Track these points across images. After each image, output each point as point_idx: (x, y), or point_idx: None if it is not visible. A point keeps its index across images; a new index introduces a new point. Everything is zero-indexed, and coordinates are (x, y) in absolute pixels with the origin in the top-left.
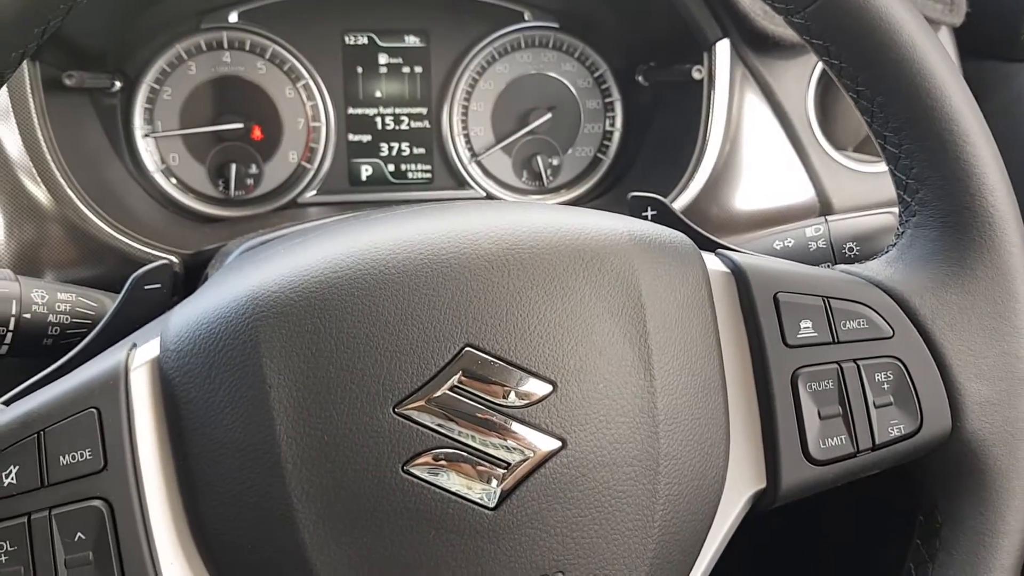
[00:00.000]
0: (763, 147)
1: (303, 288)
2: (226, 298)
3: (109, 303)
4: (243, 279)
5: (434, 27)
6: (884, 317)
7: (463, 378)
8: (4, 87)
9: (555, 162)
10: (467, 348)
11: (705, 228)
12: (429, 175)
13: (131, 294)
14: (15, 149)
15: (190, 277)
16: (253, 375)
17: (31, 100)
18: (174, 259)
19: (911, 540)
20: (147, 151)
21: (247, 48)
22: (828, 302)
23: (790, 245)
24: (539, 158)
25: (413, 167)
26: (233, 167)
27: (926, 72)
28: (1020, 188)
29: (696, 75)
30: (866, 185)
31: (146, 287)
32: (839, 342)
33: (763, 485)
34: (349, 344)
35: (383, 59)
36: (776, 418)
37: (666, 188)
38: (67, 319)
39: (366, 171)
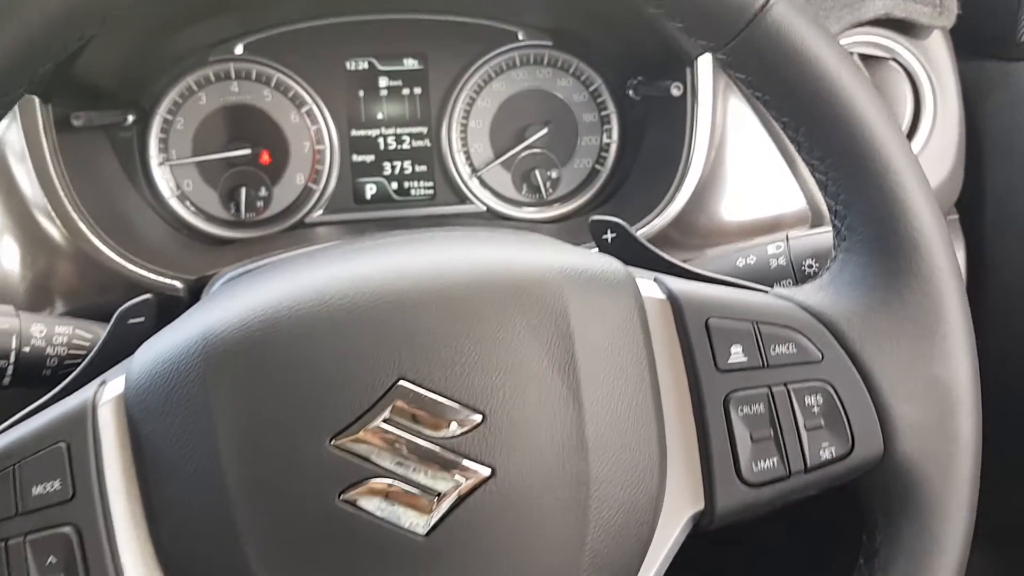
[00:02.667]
0: (751, 157)
1: (247, 327)
2: (182, 337)
3: (103, 333)
4: (199, 318)
5: (431, 49)
6: (813, 341)
7: (396, 410)
8: (20, 129)
9: (554, 175)
10: (400, 381)
11: (694, 239)
12: (431, 191)
13: (116, 328)
14: (31, 189)
15: (194, 301)
16: (202, 410)
17: (44, 140)
18: (177, 284)
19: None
20: (163, 178)
21: (253, 77)
22: (758, 327)
23: (752, 263)
24: (538, 172)
25: (416, 184)
26: (243, 191)
27: (845, 103)
28: (1019, 189)
29: (675, 91)
30: None
31: (130, 321)
32: (769, 366)
33: (701, 507)
34: (289, 379)
35: (383, 82)
36: (710, 441)
37: (658, 198)
38: (64, 351)
39: (370, 190)
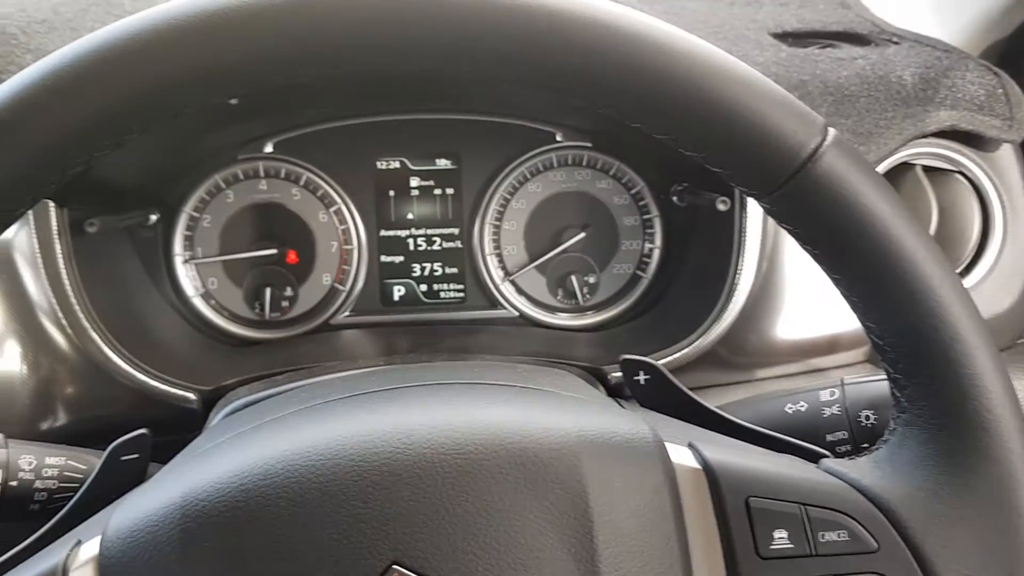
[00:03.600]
0: (806, 272)
1: (231, 497)
2: (161, 501)
3: (97, 464)
4: (181, 479)
5: (465, 149)
6: (868, 529)
7: None
8: (33, 231)
9: (591, 280)
10: (394, 567)
11: (743, 358)
12: (462, 295)
13: (108, 465)
14: (40, 294)
15: (207, 411)
16: None
17: (58, 245)
18: (191, 395)
19: None
20: (187, 276)
21: (282, 176)
22: (805, 510)
23: (803, 410)
24: (574, 277)
25: (445, 287)
26: (268, 291)
27: (907, 265)
28: None
29: (721, 207)
30: None
31: (123, 458)
32: (817, 555)
33: None
34: (274, 559)
35: (414, 182)
36: None
37: (703, 312)
38: (55, 484)
39: (399, 291)
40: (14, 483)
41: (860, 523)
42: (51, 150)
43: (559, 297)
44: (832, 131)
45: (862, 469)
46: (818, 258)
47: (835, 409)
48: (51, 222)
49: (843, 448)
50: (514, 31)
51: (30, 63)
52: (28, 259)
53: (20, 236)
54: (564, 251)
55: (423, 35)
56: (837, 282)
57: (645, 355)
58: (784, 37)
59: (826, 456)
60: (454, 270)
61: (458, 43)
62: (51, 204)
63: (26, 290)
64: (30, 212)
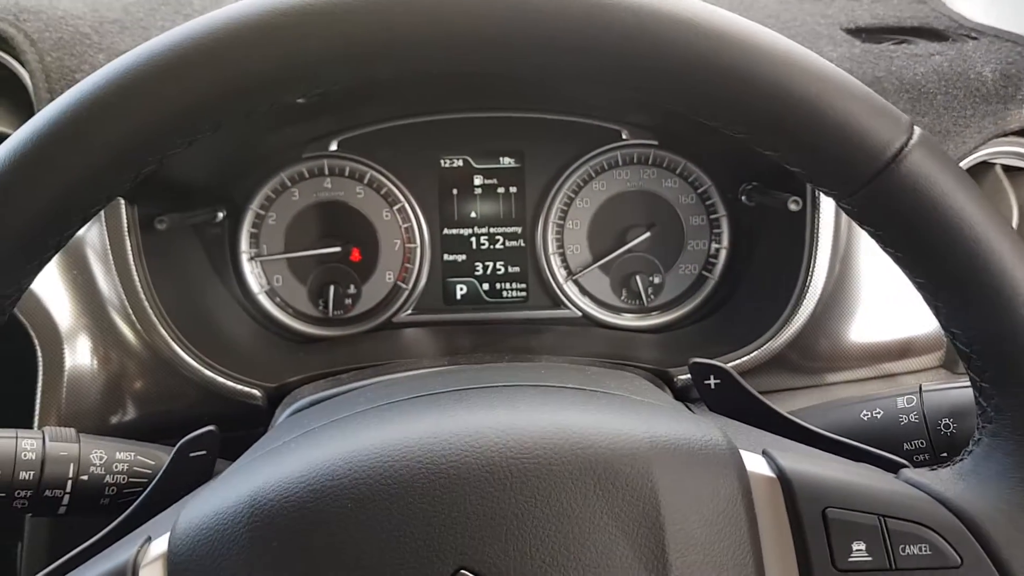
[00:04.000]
0: (881, 273)
1: (298, 498)
2: (229, 500)
3: (166, 459)
4: (249, 478)
5: (528, 147)
6: (951, 543)
7: None
8: (103, 228)
9: (656, 280)
10: (461, 572)
11: (813, 362)
12: (524, 294)
13: (176, 462)
14: (110, 290)
15: (272, 407)
16: None
17: (128, 241)
18: (256, 392)
19: None
20: (252, 274)
21: (346, 174)
22: (884, 522)
23: (879, 417)
24: (639, 277)
25: (508, 286)
26: (332, 288)
27: (996, 266)
28: None
29: (793, 207)
30: None
31: (191, 454)
32: (897, 569)
33: None
34: (339, 561)
35: (478, 180)
36: None
37: (772, 314)
38: (124, 479)
39: (461, 290)
40: (85, 477)
41: (943, 537)
42: (126, 150)
43: (623, 297)
44: (918, 129)
45: (945, 481)
46: (901, 262)
47: (913, 417)
48: (122, 219)
49: (921, 458)
50: (593, 29)
51: (103, 62)
52: (99, 255)
53: (92, 232)
54: (629, 251)
55: (508, 38)
56: (921, 287)
57: (712, 358)
58: (857, 32)
59: (905, 466)
60: (516, 269)
61: (542, 43)
62: (122, 201)
63: (97, 286)
64: (103, 210)
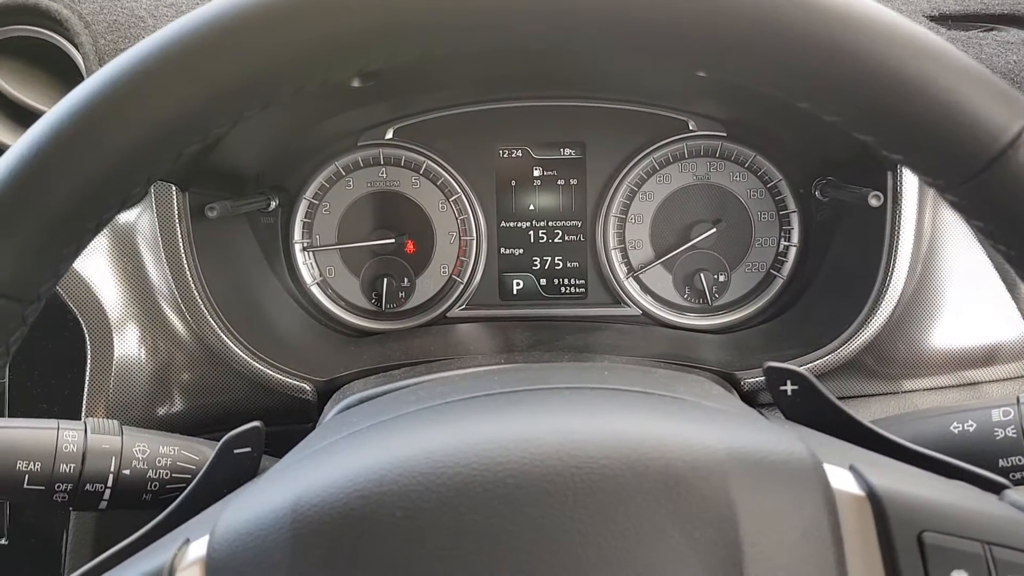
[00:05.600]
0: (964, 275)
1: (343, 503)
2: (272, 503)
3: (210, 454)
4: (293, 481)
5: (591, 138)
6: None
7: None
8: (154, 216)
9: (721, 278)
10: None
11: (891, 368)
12: (583, 290)
13: (220, 459)
14: (160, 278)
15: (322, 402)
16: None
17: (179, 229)
18: (306, 386)
19: None
20: (305, 264)
21: (402, 164)
22: (990, 550)
23: (971, 430)
24: (703, 275)
25: (566, 282)
26: (385, 281)
27: None
28: None
29: (874, 202)
30: None
31: (235, 451)
32: None
33: None
34: (385, 574)
35: (537, 171)
36: None
37: (847, 316)
38: (167, 474)
39: (517, 285)
40: (127, 471)
41: None
42: (167, 127)
43: (686, 296)
44: None
45: None
46: (1013, 260)
47: (1010, 431)
48: (173, 206)
49: (1018, 475)
50: (686, 9)
51: None
52: (149, 243)
53: (143, 220)
54: (693, 247)
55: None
56: None
57: (781, 361)
58: (943, 20)
59: (1007, 487)
60: (575, 264)
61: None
62: (174, 188)
63: (147, 273)
64: (153, 196)
